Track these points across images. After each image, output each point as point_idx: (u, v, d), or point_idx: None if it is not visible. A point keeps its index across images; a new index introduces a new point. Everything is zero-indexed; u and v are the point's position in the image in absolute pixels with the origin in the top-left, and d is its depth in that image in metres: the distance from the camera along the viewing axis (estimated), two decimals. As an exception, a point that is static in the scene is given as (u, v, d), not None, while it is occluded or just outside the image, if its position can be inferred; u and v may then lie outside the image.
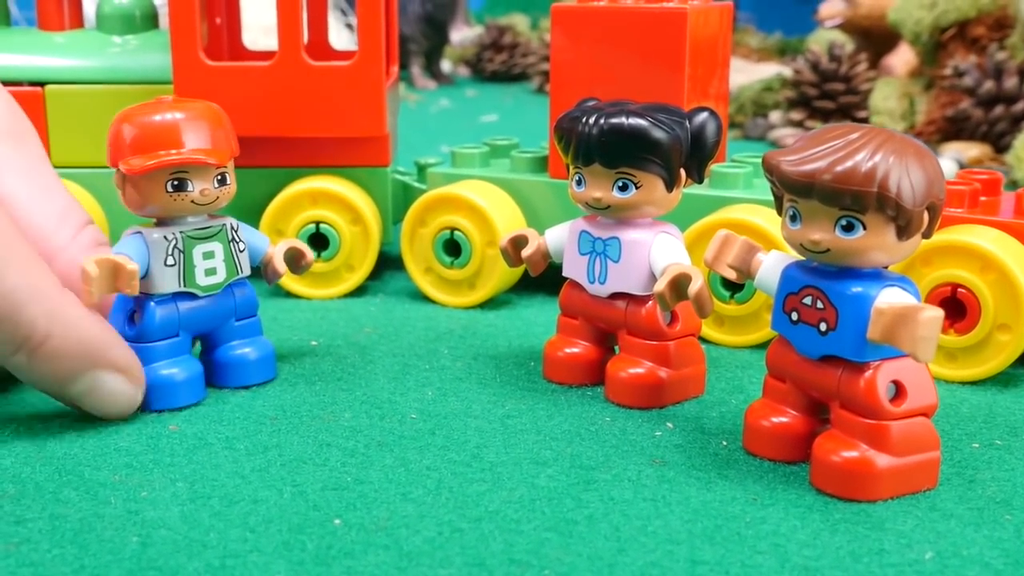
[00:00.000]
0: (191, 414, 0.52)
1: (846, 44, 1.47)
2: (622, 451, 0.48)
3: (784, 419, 0.47)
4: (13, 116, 0.57)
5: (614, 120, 0.50)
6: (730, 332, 0.62)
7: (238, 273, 0.54)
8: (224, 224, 0.53)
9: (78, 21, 0.77)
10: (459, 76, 2.13)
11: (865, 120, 1.26)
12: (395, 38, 0.79)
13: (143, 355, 0.51)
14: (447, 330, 0.65)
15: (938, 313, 0.40)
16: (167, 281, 0.51)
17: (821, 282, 0.44)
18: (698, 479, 0.45)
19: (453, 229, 0.68)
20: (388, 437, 0.49)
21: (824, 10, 1.49)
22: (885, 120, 1.23)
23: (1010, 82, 1.14)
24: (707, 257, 0.48)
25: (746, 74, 1.59)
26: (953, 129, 1.19)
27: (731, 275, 0.48)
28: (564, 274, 0.55)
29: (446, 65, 2.08)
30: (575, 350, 0.56)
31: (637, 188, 0.51)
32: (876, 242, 0.41)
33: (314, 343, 0.62)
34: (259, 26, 1.31)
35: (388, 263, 0.78)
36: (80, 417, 0.51)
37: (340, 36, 1.62)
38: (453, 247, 0.69)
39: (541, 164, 0.71)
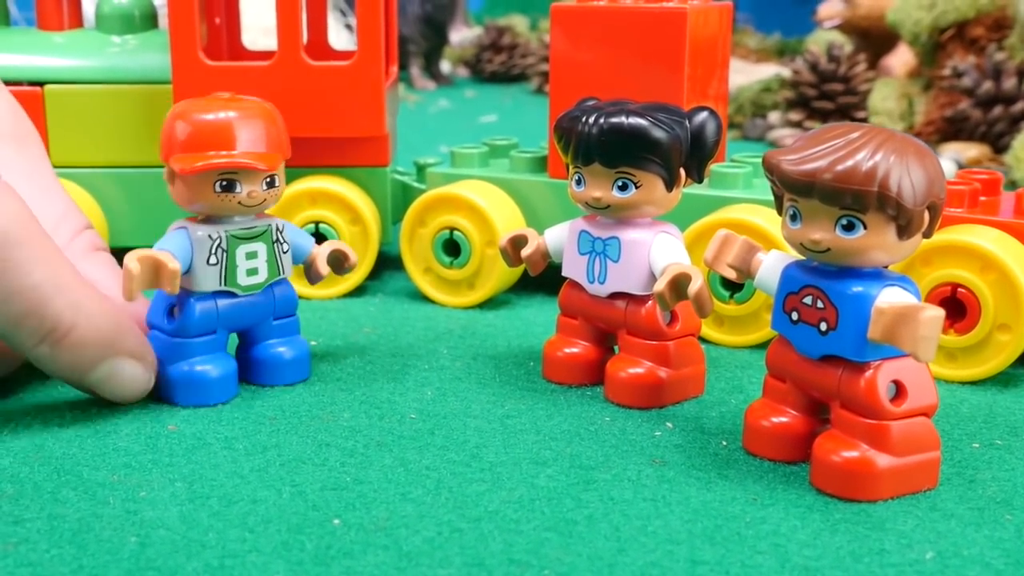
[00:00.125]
0: (190, 414, 0.51)
1: (845, 45, 1.47)
2: (622, 451, 0.48)
3: (784, 419, 0.47)
4: (15, 118, 0.57)
5: (614, 119, 0.50)
6: (730, 332, 0.62)
7: (280, 274, 0.54)
8: (269, 225, 0.53)
9: (77, 21, 0.77)
10: (458, 77, 2.13)
11: (864, 121, 1.26)
12: (394, 38, 0.79)
13: (180, 350, 0.52)
14: (446, 330, 0.64)
15: (939, 313, 0.40)
16: (208, 279, 0.51)
17: (821, 282, 0.43)
18: (698, 479, 0.45)
19: (452, 229, 0.68)
20: (387, 437, 0.49)
21: (823, 11, 1.49)
22: (884, 120, 1.23)
23: (1009, 83, 1.14)
24: (707, 257, 0.48)
25: (745, 75, 1.59)
26: (952, 130, 1.19)
27: (731, 275, 0.48)
28: (563, 274, 0.55)
29: (445, 66, 2.08)
30: (575, 350, 0.56)
31: (637, 188, 0.51)
32: (877, 241, 0.41)
33: (313, 343, 0.61)
34: (258, 27, 1.31)
35: (387, 263, 0.78)
36: (79, 417, 0.51)
37: (339, 36, 1.61)
38: (452, 247, 0.69)
39: (540, 164, 0.71)
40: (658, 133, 0.50)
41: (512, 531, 0.41)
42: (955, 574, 0.38)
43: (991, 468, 0.47)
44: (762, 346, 0.61)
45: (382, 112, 0.69)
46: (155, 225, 0.54)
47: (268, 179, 0.51)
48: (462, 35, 1.94)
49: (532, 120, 1.51)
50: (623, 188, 0.51)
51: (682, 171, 0.51)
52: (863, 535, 0.41)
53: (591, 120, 0.50)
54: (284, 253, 0.54)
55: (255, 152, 0.51)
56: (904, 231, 0.41)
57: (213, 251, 0.51)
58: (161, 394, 0.52)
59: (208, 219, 0.52)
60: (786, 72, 1.47)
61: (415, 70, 1.93)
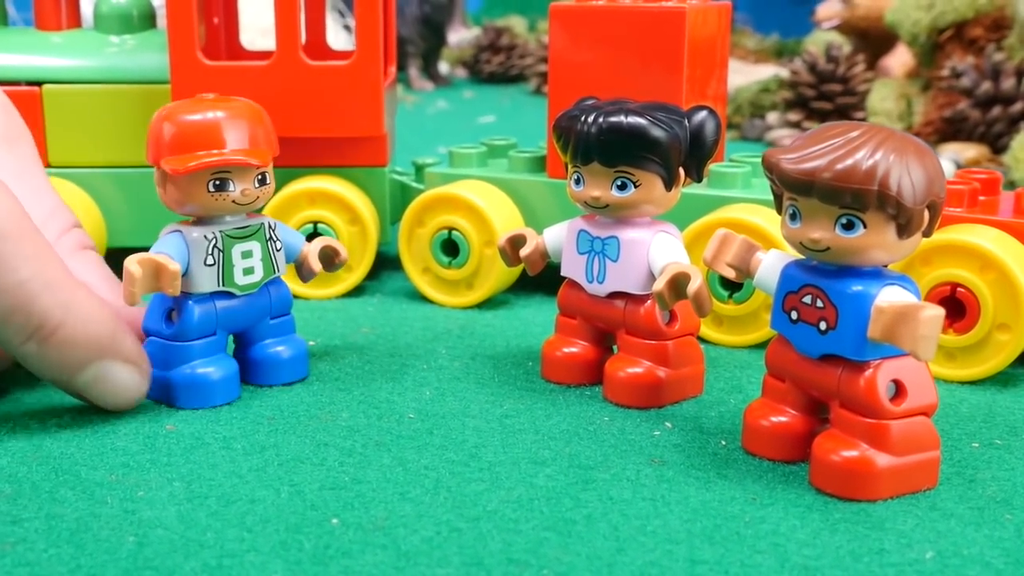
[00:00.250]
0: (188, 414, 0.51)
1: (843, 45, 1.47)
2: (621, 451, 0.48)
3: (783, 418, 0.47)
4: (8, 118, 0.57)
5: (613, 119, 0.50)
6: (729, 332, 0.62)
7: (275, 272, 0.54)
8: (262, 223, 0.53)
9: (75, 21, 0.77)
10: (457, 77, 2.12)
11: (863, 121, 1.26)
12: (393, 38, 0.79)
13: (181, 354, 0.52)
14: (445, 330, 0.64)
15: (939, 312, 0.40)
16: (206, 280, 0.51)
17: (821, 281, 0.43)
18: (697, 479, 0.45)
19: (451, 229, 0.68)
20: (386, 437, 0.49)
21: (821, 11, 1.49)
22: (883, 121, 1.23)
23: (1007, 83, 1.14)
24: (706, 256, 0.48)
25: (743, 75, 1.59)
26: (950, 130, 1.19)
27: (730, 274, 0.48)
28: (562, 273, 0.55)
29: (444, 67, 2.08)
30: (573, 350, 0.55)
31: (636, 187, 0.51)
32: (876, 240, 0.41)
33: (312, 343, 0.61)
34: (257, 28, 1.30)
35: (386, 263, 0.78)
36: (77, 417, 0.51)
37: (338, 37, 1.61)
38: (451, 247, 0.68)
39: (539, 164, 0.70)
40: (657, 132, 0.49)
41: (511, 530, 0.41)
42: (955, 573, 0.38)
43: (991, 468, 0.46)
44: (761, 346, 0.61)
45: (380, 112, 0.69)
46: (153, 225, 0.54)
47: (260, 177, 0.51)
48: (460, 36, 1.94)
49: (530, 121, 1.51)
50: (622, 187, 0.51)
51: (681, 170, 0.51)
52: (862, 535, 0.41)
53: (590, 119, 0.50)
54: (278, 251, 0.54)
55: (245, 149, 0.51)
56: (904, 230, 0.41)
57: (210, 251, 0.51)
58: (163, 398, 0.52)
59: (200, 221, 0.52)
60: (784, 73, 1.47)
61: (413, 71, 1.93)
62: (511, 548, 0.40)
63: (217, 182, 0.50)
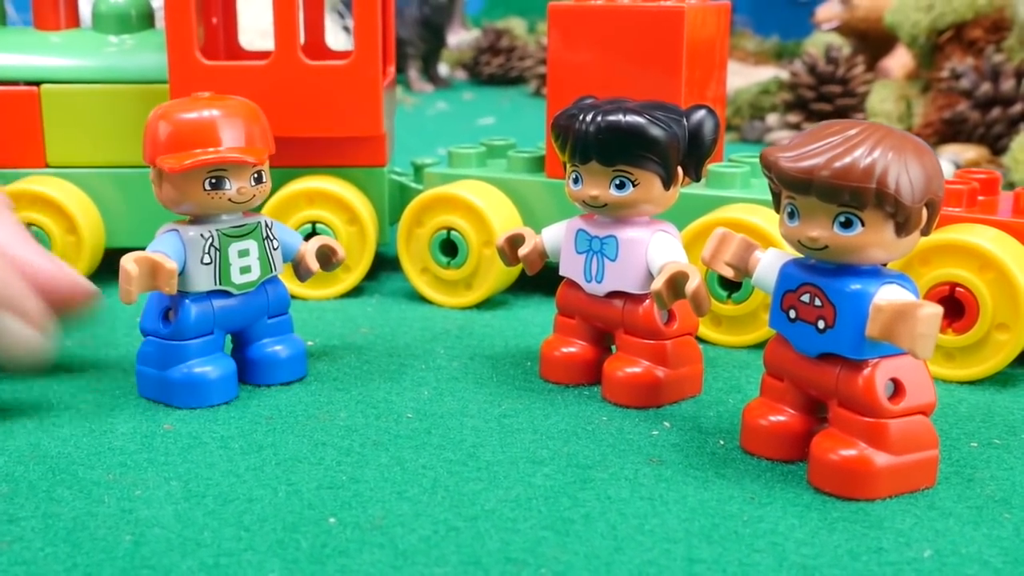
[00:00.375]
0: (186, 413, 0.51)
1: (843, 47, 1.47)
2: (619, 450, 0.48)
3: (782, 418, 0.47)
4: None
5: (611, 117, 0.50)
6: (728, 332, 0.62)
7: (272, 271, 0.54)
8: (259, 222, 0.53)
9: (74, 21, 0.77)
10: (456, 79, 2.12)
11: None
12: (391, 38, 0.79)
13: (178, 353, 0.52)
14: (443, 330, 0.64)
15: (937, 310, 0.40)
16: (203, 279, 0.51)
17: (819, 279, 0.43)
18: (695, 478, 0.45)
19: (450, 229, 0.68)
20: (384, 436, 0.49)
21: (821, 13, 1.49)
22: (882, 122, 1.23)
23: (1007, 84, 1.14)
24: (704, 255, 0.48)
25: (743, 77, 1.59)
26: (950, 131, 1.19)
27: (728, 273, 0.47)
28: (561, 273, 0.55)
29: (443, 68, 2.08)
30: (572, 349, 0.55)
31: (634, 186, 0.50)
32: (874, 239, 0.41)
33: (310, 343, 0.61)
34: (256, 29, 1.30)
35: (384, 264, 0.78)
36: (75, 416, 0.51)
37: (337, 38, 1.61)
38: (450, 247, 0.68)
39: (538, 164, 0.70)
40: (655, 131, 0.49)
41: (509, 530, 0.41)
42: (953, 572, 0.38)
43: (989, 467, 0.46)
44: (760, 346, 0.61)
45: (379, 111, 0.69)
46: (152, 225, 0.54)
47: (256, 175, 0.51)
48: (460, 38, 1.94)
49: (530, 122, 1.51)
50: (620, 186, 0.51)
51: (680, 169, 0.51)
52: (861, 533, 0.41)
53: (588, 118, 0.50)
54: (275, 250, 0.54)
55: (241, 147, 0.51)
56: (902, 228, 0.41)
57: (206, 250, 0.51)
58: (160, 397, 0.52)
59: (196, 220, 0.52)
60: (784, 74, 1.47)
61: (413, 73, 1.93)
62: (509, 547, 0.40)
63: (213, 180, 0.50)
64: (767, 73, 1.63)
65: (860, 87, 1.33)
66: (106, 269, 0.71)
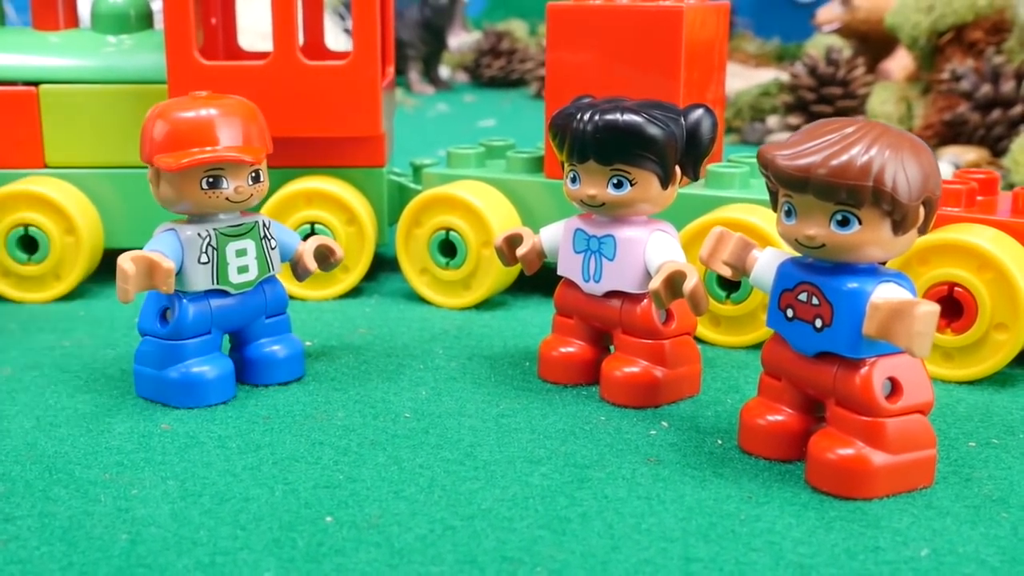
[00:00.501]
0: (183, 413, 0.51)
1: (843, 49, 1.47)
2: (616, 450, 0.48)
3: (779, 417, 0.47)
4: None
5: (609, 116, 0.50)
6: (726, 332, 0.62)
7: (270, 271, 0.54)
8: (256, 221, 0.53)
9: (73, 21, 0.77)
10: (457, 82, 2.12)
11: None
12: (391, 39, 0.79)
13: (175, 353, 0.51)
14: (442, 330, 0.64)
15: (934, 308, 0.40)
16: (200, 279, 0.51)
17: (816, 278, 0.43)
18: (693, 477, 0.45)
19: (448, 230, 0.68)
20: (381, 436, 0.49)
21: (822, 15, 1.49)
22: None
23: (1007, 86, 1.14)
24: (702, 254, 0.47)
25: (744, 79, 1.59)
26: (950, 133, 1.19)
27: (726, 272, 0.47)
28: (559, 272, 0.55)
29: (444, 71, 2.08)
30: (570, 349, 0.55)
31: (632, 185, 0.50)
32: (871, 237, 0.41)
33: (308, 343, 0.61)
34: (255, 31, 1.31)
35: (383, 264, 0.78)
36: (71, 415, 0.51)
37: (337, 40, 1.62)
38: (448, 248, 0.68)
39: (537, 164, 0.70)
40: (653, 130, 0.49)
41: (505, 529, 0.41)
42: (950, 571, 0.38)
43: (987, 467, 0.46)
44: (758, 346, 0.60)
45: (378, 111, 0.69)
46: (150, 225, 0.54)
47: (253, 174, 0.51)
48: (461, 40, 1.94)
49: (530, 124, 1.51)
50: (618, 186, 0.51)
51: (678, 169, 0.51)
52: (858, 533, 0.41)
53: (586, 117, 0.50)
54: (272, 249, 0.54)
55: (238, 146, 0.51)
56: (899, 226, 0.41)
57: (203, 249, 0.51)
58: (157, 397, 0.52)
59: (194, 219, 0.52)
60: (785, 76, 1.47)
61: (414, 75, 1.93)
62: (505, 546, 0.40)
63: (210, 179, 0.50)
64: (768, 75, 1.63)
65: (861, 89, 1.33)
66: (105, 270, 0.71)
